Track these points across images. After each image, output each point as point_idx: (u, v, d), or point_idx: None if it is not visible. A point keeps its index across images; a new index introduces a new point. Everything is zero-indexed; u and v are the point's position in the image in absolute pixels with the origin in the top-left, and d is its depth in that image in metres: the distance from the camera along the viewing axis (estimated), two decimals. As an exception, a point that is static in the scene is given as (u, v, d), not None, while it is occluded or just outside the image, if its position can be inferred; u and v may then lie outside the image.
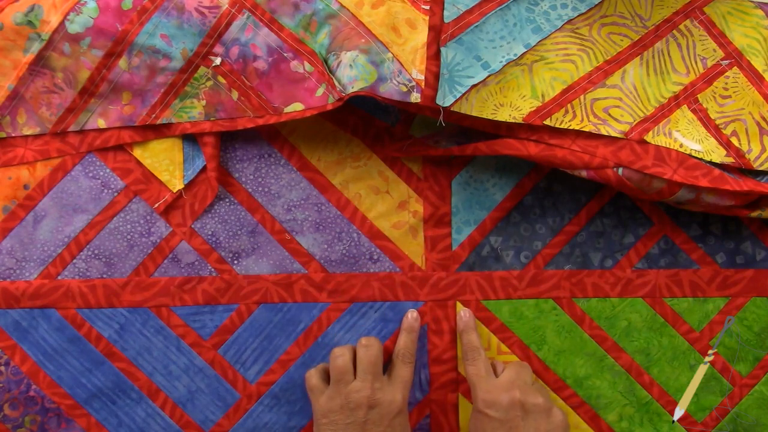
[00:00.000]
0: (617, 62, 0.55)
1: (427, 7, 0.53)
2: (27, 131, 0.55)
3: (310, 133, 0.57)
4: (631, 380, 0.57)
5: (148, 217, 0.56)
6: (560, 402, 0.57)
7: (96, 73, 0.54)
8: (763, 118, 0.55)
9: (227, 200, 0.57)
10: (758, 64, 0.55)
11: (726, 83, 0.55)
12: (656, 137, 0.53)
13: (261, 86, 0.54)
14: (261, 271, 0.57)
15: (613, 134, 0.53)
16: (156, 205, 0.56)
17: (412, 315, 0.56)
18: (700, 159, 0.53)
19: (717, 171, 0.52)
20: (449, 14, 0.52)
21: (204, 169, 0.56)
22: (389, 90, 0.51)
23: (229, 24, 0.54)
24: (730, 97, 0.55)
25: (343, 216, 0.57)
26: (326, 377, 0.54)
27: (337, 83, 0.52)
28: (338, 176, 0.57)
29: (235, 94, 0.54)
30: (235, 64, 0.54)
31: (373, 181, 0.57)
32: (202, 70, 0.54)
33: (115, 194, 0.56)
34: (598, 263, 0.57)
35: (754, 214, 0.53)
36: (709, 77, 0.55)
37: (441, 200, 0.57)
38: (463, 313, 0.56)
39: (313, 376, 0.53)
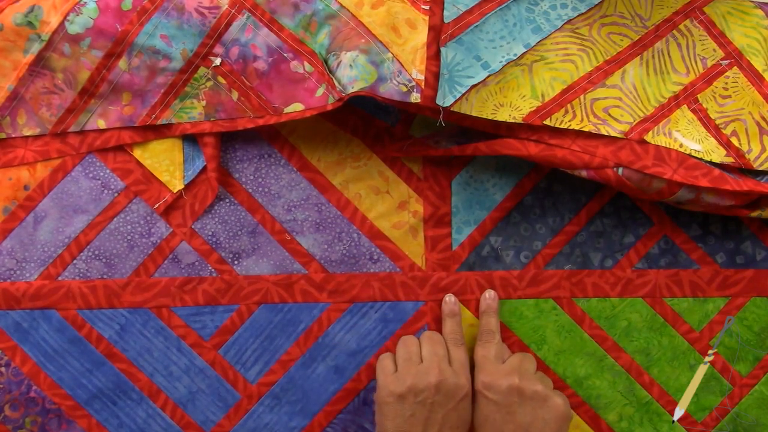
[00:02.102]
0: (617, 62, 0.55)
1: (427, 7, 0.53)
2: (27, 132, 0.55)
3: (310, 133, 0.57)
4: (631, 380, 0.57)
5: (149, 218, 0.56)
6: (560, 402, 0.57)
7: (96, 74, 0.54)
8: (763, 118, 0.55)
9: (227, 200, 0.57)
10: (758, 64, 0.55)
11: (726, 83, 0.55)
12: (656, 137, 0.53)
13: (261, 86, 0.54)
14: (261, 272, 0.57)
15: (613, 134, 0.53)
16: (156, 206, 0.56)
17: (450, 299, 0.55)
18: (700, 159, 0.53)
19: (717, 171, 0.52)
20: (449, 14, 0.52)
21: (204, 169, 0.56)
22: (389, 90, 0.51)
23: (229, 24, 0.54)
24: (730, 97, 0.55)
25: (343, 216, 0.57)
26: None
27: (337, 83, 0.52)
28: (338, 176, 0.57)
29: (235, 95, 0.54)
30: (235, 65, 0.54)
31: (373, 181, 0.57)
32: (202, 70, 0.54)
33: (116, 195, 0.56)
34: (598, 263, 0.57)
35: (754, 214, 0.53)
36: (709, 77, 0.55)
37: (441, 200, 0.57)
38: (488, 295, 0.55)
39: (387, 357, 0.54)
